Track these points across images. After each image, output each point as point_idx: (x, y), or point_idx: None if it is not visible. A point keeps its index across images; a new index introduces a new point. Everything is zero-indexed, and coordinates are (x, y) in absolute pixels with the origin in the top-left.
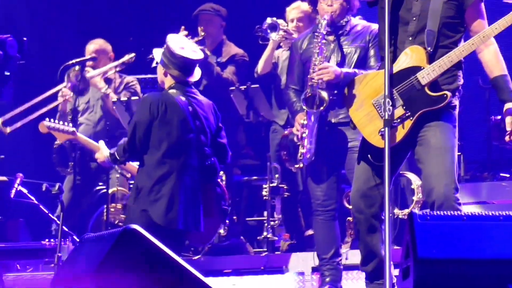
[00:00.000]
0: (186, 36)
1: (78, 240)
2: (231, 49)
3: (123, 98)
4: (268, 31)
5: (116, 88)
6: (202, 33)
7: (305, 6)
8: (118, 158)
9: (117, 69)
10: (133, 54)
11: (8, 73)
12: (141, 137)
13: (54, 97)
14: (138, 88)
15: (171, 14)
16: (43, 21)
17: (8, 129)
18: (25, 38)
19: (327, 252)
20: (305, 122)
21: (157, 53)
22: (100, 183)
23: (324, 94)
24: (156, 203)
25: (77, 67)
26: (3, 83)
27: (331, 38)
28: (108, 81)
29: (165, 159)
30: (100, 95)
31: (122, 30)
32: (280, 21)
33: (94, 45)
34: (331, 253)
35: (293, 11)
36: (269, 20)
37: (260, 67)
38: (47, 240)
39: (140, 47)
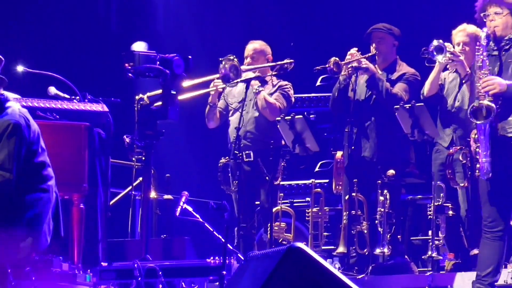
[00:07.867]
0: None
1: (242, 258)
2: (403, 68)
3: (287, 117)
4: (435, 53)
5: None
6: (374, 51)
7: (471, 29)
8: None
9: (273, 72)
10: (291, 60)
11: (175, 92)
12: None
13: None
14: (291, 92)
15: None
16: (210, 39)
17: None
18: (190, 57)
19: (482, 270)
20: (476, 136)
21: None
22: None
23: (490, 104)
24: None
25: (233, 57)
26: (170, 102)
27: (495, 52)
28: (263, 82)
29: None
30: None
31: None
32: (447, 43)
33: (254, 45)
34: (487, 272)
35: (459, 34)
36: (435, 42)
37: (426, 89)
38: (212, 258)
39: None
